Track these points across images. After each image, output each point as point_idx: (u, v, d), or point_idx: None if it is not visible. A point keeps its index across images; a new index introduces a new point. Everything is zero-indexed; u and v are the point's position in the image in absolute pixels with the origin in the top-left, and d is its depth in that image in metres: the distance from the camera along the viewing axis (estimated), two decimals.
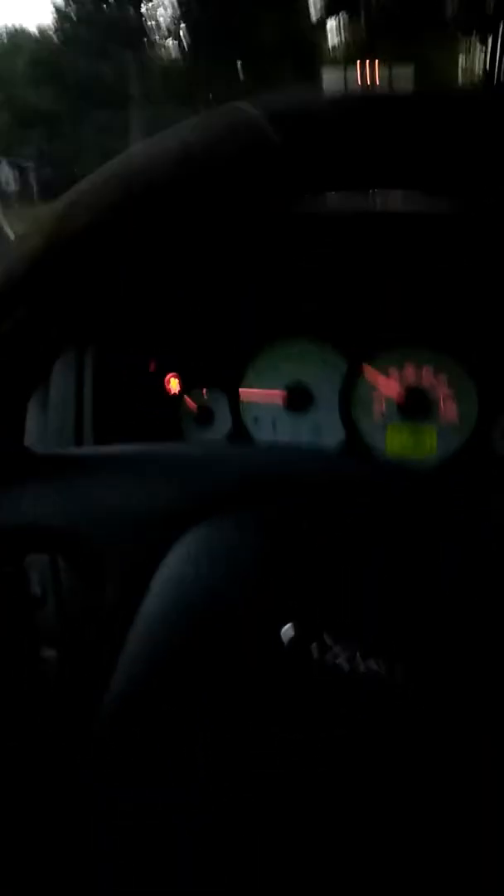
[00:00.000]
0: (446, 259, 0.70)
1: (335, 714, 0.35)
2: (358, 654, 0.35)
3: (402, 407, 0.73)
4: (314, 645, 0.35)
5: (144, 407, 0.72)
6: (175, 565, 0.39)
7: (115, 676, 0.36)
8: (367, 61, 6.94)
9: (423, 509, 0.43)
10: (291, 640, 0.36)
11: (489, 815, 0.33)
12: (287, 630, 0.36)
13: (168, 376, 0.74)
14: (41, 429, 0.65)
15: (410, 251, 0.70)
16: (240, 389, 0.75)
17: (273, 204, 0.37)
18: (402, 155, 0.29)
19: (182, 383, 0.74)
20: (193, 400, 0.74)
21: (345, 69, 6.48)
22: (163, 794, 0.35)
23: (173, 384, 0.74)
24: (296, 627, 0.36)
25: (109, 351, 0.70)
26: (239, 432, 0.74)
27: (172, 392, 0.74)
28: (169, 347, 0.74)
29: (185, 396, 0.74)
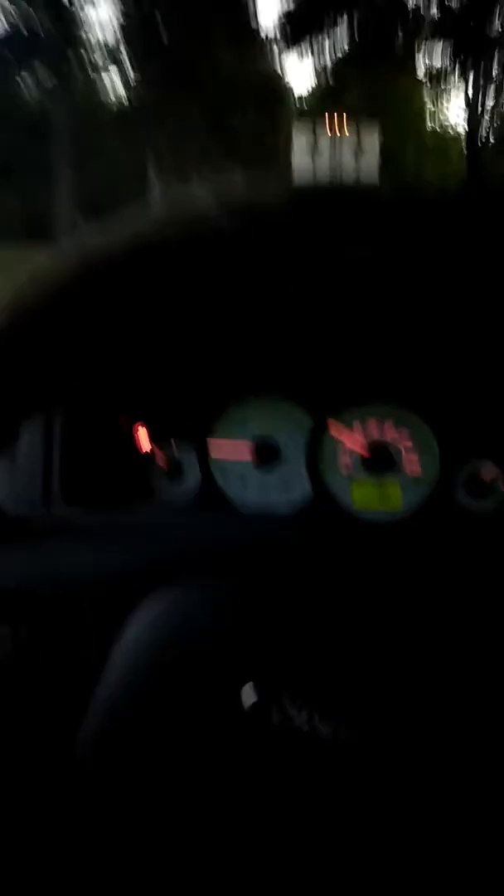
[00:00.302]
0: (408, 318, 0.73)
1: (295, 774, 0.35)
2: (316, 716, 0.35)
3: (366, 461, 0.75)
4: (274, 708, 0.36)
5: (114, 464, 0.72)
6: (134, 630, 0.39)
7: (83, 732, 0.36)
8: (335, 115, 7.39)
9: (378, 570, 0.44)
10: (251, 704, 0.36)
11: (450, 876, 0.33)
12: (247, 693, 0.37)
13: (136, 426, 0.75)
14: (8, 487, 0.64)
15: (374, 309, 0.73)
16: (209, 443, 0.76)
17: (225, 291, 0.39)
18: (354, 250, 0.32)
19: (151, 435, 0.75)
20: (164, 453, 0.75)
21: (313, 124, 6.89)
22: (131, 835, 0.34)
23: (142, 436, 0.75)
24: (256, 691, 0.36)
25: (78, 408, 0.71)
26: (208, 487, 0.75)
27: (143, 450, 0.75)
28: (138, 403, 0.75)
29: (156, 451, 0.75)
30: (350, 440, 0.76)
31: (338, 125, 7.21)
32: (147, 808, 0.35)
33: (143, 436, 0.75)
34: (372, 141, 7.56)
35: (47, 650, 0.41)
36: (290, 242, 0.30)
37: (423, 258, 0.37)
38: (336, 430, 0.76)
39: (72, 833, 0.35)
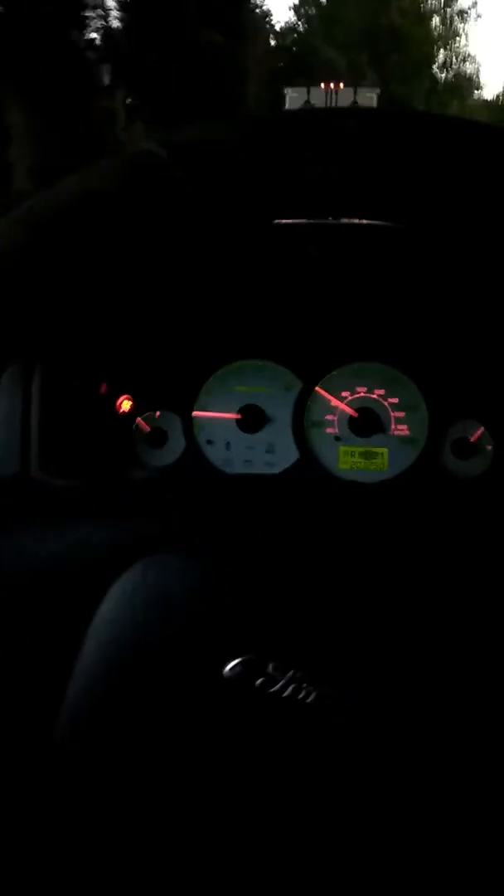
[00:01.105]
0: (395, 277, 0.72)
1: (279, 743, 0.35)
2: (305, 683, 0.35)
3: (353, 423, 0.74)
4: (259, 678, 0.35)
5: (94, 428, 0.71)
6: (110, 607, 0.38)
7: (64, 708, 0.36)
8: (332, 82, 7.02)
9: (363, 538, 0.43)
10: (235, 675, 0.36)
11: (436, 837, 0.33)
12: (232, 666, 0.36)
13: (120, 398, 0.73)
14: None
15: (360, 268, 0.71)
16: (193, 411, 0.74)
17: (189, 236, 0.37)
18: (312, 177, 0.30)
19: (134, 405, 0.74)
20: (146, 422, 0.74)
21: (308, 90, 6.54)
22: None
23: (125, 405, 0.74)
24: (240, 661, 0.36)
25: (58, 371, 0.69)
26: (192, 454, 0.74)
27: (123, 412, 0.73)
28: (121, 369, 0.74)
29: (138, 419, 0.74)
30: (337, 402, 0.74)
31: (334, 85, 6.89)
32: (131, 791, 0.35)
33: (125, 403, 0.74)
34: (369, 98, 7.21)
35: (22, 629, 0.40)
36: (246, 186, 0.29)
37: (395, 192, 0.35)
38: (323, 393, 0.75)
39: (52, 817, 0.35)
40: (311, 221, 0.67)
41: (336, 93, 6.72)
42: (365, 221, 0.67)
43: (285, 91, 6.56)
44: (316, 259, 0.71)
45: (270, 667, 0.36)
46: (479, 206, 0.63)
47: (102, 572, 0.37)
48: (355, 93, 7.09)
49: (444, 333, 0.72)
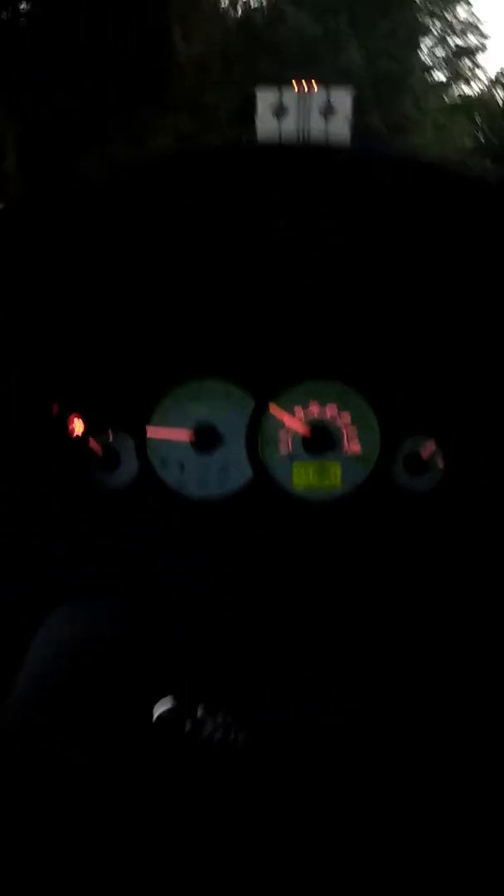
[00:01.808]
0: (347, 294, 0.72)
1: (208, 784, 0.35)
2: (232, 725, 0.35)
3: (307, 443, 0.75)
4: (188, 719, 0.35)
5: (46, 450, 0.71)
6: (40, 644, 0.38)
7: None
8: (304, 81, 6.95)
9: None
10: (162, 717, 0.36)
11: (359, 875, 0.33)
12: (160, 706, 0.36)
13: (71, 417, 0.73)
14: None
15: (311, 286, 0.72)
16: (147, 430, 0.74)
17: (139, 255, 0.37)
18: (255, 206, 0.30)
19: (86, 425, 0.73)
20: (98, 442, 0.73)
21: (279, 90, 6.45)
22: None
23: (77, 426, 0.73)
24: (168, 703, 0.36)
25: (7, 391, 0.69)
26: (146, 475, 0.74)
27: (76, 434, 0.73)
28: (71, 389, 0.73)
29: (90, 438, 0.73)
30: (290, 420, 0.75)
31: (307, 85, 6.78)
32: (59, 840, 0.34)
33: (77, 425, 0.73)
34: (343, 99, 7.14)
35: None
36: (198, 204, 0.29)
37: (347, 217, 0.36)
38: (276, 411, 0.75)
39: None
40: (258, 244, 0.68)
41: (309, 93, 6.68)
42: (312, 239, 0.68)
43: (256, 91, 6.44)
44: (267, 278, 0.71)
45: (200, 709, 0.36)
46: (426, 226, 0.64)
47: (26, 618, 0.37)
48: (328, 94, 7.04)
49: (394, 350, 0.73)
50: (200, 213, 0.59)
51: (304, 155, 0.42)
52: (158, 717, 0.36)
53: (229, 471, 0.75)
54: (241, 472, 0.75)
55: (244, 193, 0.54)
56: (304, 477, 0.75)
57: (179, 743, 0.35)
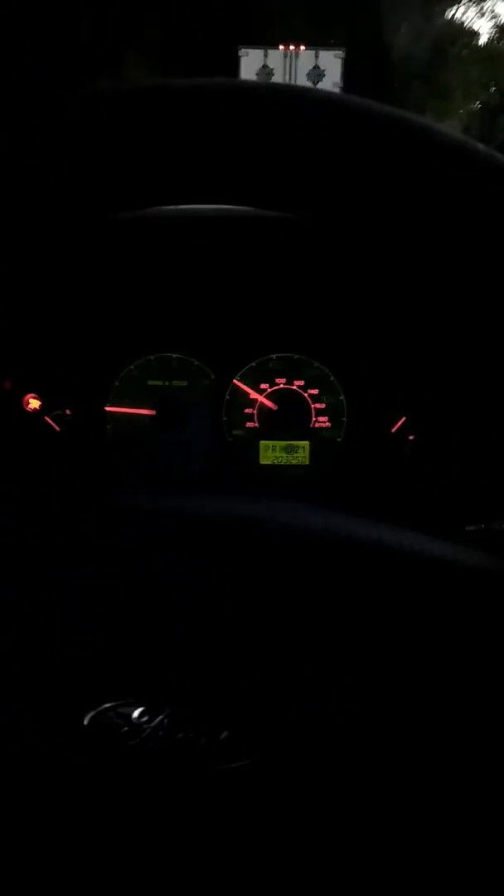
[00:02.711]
0: (313, 266, 0.69)
1: (141, 786, 0.33)
2: (170, 727, 0.34)
3: (274, 419, 0.72)
4: (124, 726, 0.34)
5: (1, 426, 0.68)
6: None
7: None
8: (291, 43, 6.56)
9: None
10: (94, 719, 0.34)
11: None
12: (92, 715, 0.34)
13: (27, 397, 0.70)
14: None
15: (277, 259, 0.68)
16: (106, 408, 0.71)
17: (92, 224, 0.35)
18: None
19: (43, 403, 0.70)
20: (55, 420, 0.71)
21: (265, 53, 6.12)
22: None
23: (33, 403, 0.70)
24: (100, 710, 0.34)
25: None
26: (105, 452, 0.71)
27: (31, 409, 0.70)
28: (27, 366, 0.70)
29: (46, 417, 0.70)
30: (256, 394, 0.72)
31: (294, 46, 6.39)
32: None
33: (32, 401, 0.70)
34: (333, 62, 6.77)
35: None
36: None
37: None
38: (241, 385, 0.72)
39: None
40: (224, 216, 0.64)
41: (296, 55, 6.37)
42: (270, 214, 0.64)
43: (239, 51, 6.08)
44: (230, 249, 0.68)
45: (137, 713, 0.34)
46: (386, 195, 0.61)
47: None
48: (317, 56, 6.69)
49: (362, 324, 0.70)
50: (161, 171, 0.55)
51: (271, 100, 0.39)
52: (88, 721, 0.34)
53: (193, 447, 0.72)
54: (205, 450, 0.72)
55: (211, 144, 0.50)
56: (271, 454, 0.73)
57: (114, 749, 0.33)
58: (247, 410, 0.73)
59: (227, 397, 0.72)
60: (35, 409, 0.70)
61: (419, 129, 0.28)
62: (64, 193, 0.31)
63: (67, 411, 0.71)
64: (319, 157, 0.29)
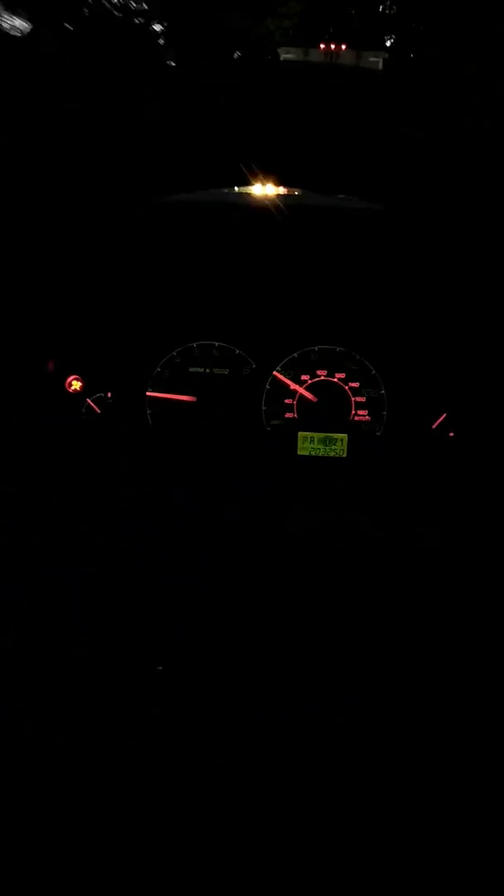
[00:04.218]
0: (360, 261, 0.68)
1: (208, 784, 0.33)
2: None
3: (313, 411, 0.72)
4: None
5: (42, 406, 0.69)
6: None
7: None
8: (332, 43, 6.46)
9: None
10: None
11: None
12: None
13: (69, 378, 0.71)
14: None
15: (324, 252, 0.68)
16: (147, 393, 0.72)
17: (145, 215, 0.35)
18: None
19: (84, 385, 0.71)
20: (97, 403, 0.71)
21: (305, 52, 6.05)
22: None
23: (75, 385, 0.71)
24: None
25: (3, 348, 0.66)
26: (145, 437, 0.72)
27: (73, 391, 0.71)
28: (70, 348, 0.71)
29: (88, 399, 0.71)
30: (296, 385, 0.72)
31: (335, 47, 6.28)
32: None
33: (74, 383, 0.71)
34: (374, 64, 6.66)
35: None
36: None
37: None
38: (281, 376, 0.72)
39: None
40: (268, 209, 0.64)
41: (337, 55, 6.30)
42: (336, 201, 0.64)
43: (279, 52, 6.02)
44: (278, 240, 0.68)
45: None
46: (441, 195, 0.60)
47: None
48: (358, 57, 6.58)
49: (406, 319, 0.69)
50: (211, 168, 0.56)
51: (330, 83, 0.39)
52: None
53: (232, 436, 0.72)
54: (243, 438, 0.72)
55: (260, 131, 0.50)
56: (308, 445, 0.72)
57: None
58: (286, 401, 0.72)
59: (268, 387, 0.72)
60: (76, 390, 0.71)
61: None
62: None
63: (109, 394, 0.71)
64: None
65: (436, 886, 0.32)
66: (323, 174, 0.46)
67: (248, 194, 0.64)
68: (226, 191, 0.65)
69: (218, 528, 0.63)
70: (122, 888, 0.34)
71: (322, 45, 6.16)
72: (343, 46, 6.57)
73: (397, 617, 0.51)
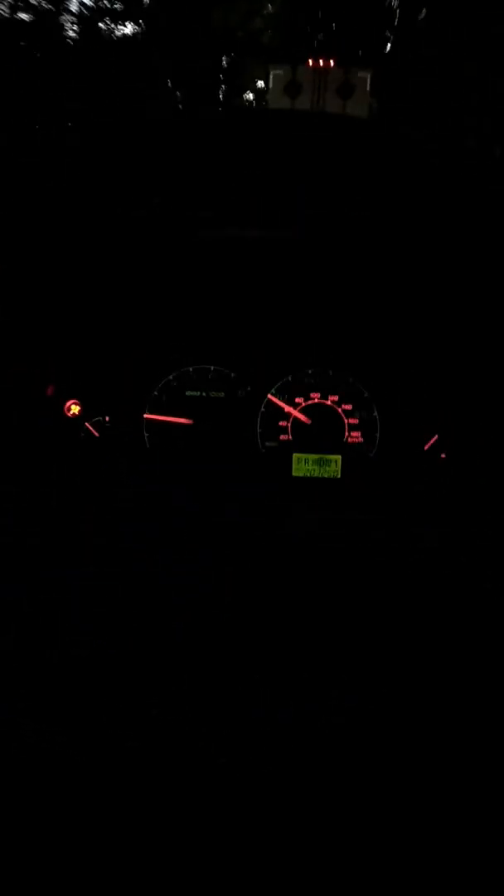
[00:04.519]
0: (352, 286, 0.70)
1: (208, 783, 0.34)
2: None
3: (307, 433, 0.73)
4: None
5: (41, 430, 0.70)
6: None
7: None
8: (321, 59, 6.49)
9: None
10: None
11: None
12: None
13: (68, 403, 0.72)
14: None
15: (313, 277, 0.70)
16: (144, 416, 0.73)
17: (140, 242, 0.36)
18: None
19: (83, 409, 0.72)
20: (95, 427, 0.72)
21: (293, 69, 6.06)
22: None
23: (73, 409, 0.72)
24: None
25: (3, 372, 0.67)
26: (142, 460, 0.73)
27: (72, 415, 0.72)
28: (69, 373, 0.72)
29: (86, 423, 0.72)
30: (290, 408, 0.73)
31: (323, 62, 6.35)
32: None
33: (73, 407, 0.72)
34: (363, 80, 6.70)
35: None
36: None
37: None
38: (275, 399, 0.73)
39: None
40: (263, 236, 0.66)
41: (326, 72, 6.35)
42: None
43: (269, 68, 6.03)
44: (269, 268, 0.69)
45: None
46: (432, 215, 0.62)
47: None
48: (346, 73, 6.63)
49: (398, 342, 0.71)
50: (203, 186, 0.57)
51: (316, 124, 0.40)
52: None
53: (227, 458, 0.73)
54: (239, 460, 0.73)
55: (250, 159, 0.51)
56: (303, 467, 0.74)
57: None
58: (281, 423, 0.74)
59: (263, 410, 0.73)
60: (75, 415, 0.72)
61: None
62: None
63: (107, 418, 0.72)
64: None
65: (435, 886, 0.32)
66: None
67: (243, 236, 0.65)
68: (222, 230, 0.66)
69: (218, 528, 0.63)
70: (122, 887, 0.34)
71: (311, 62, 6.19)
72: (331, 62, 6.61)
73: (397, 617, 0.51)
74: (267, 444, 0.74)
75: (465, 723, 0.36)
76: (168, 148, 0.53)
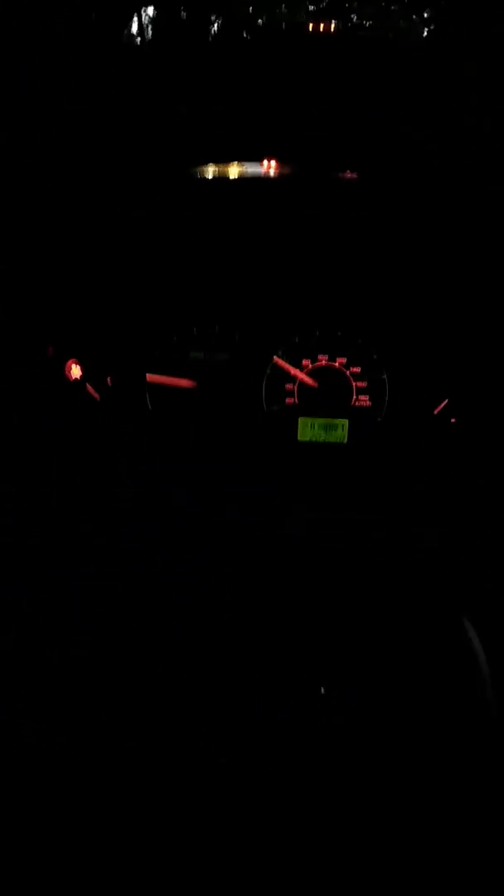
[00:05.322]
0: (361, 244, 0.69)
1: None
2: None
3: (314, 396, 0.72)
4: None
5: (42, 392, 0.68)
6: None
7: None
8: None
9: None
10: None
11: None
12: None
13: (69, 362, 0.70)
14: None
15: (322, 231, 0.68)
16: (147, 376, 0.71)
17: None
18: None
19: (84, 371, 0.70)
20: (96, 388, 0.71)
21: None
22: None
23: (74, 371, 0.70)
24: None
25: (3, 334, 0.66)
26: (145, 421, 0.71)
27: (73, 378, 0.70)
28: (69, 333, 0.70)
29: (87, 385, 0.70)
30: (296, 371, 0.72)
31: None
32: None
33: (73, 368, 0.70)
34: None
35: None
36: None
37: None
38: (281, 361, 0.72)
39: None
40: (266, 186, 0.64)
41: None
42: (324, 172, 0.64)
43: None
44: (279, 223, 0.68)
45: None
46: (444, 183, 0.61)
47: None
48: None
49: (410, 303, 0.69)
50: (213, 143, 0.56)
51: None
52: None
53: (232, 420, 0.72)
54: (244, 422, 0.72)
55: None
56: (309, 431, 0.72)
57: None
58: (287, 386, 0.72)
59: (268, 372, 0.71)
60: (76, 377, 0.70)
61: None
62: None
63: (108, 379, 0.71)
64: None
65: (435, 885, 0.31)
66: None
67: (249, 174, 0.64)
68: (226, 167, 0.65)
69: (218, 528, 0.62)
70: (122, 887, 0.33)
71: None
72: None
73: (397, 616, 0.51)
74: (272, 407, 0.72)
75: (465, 722, 0.35)
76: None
